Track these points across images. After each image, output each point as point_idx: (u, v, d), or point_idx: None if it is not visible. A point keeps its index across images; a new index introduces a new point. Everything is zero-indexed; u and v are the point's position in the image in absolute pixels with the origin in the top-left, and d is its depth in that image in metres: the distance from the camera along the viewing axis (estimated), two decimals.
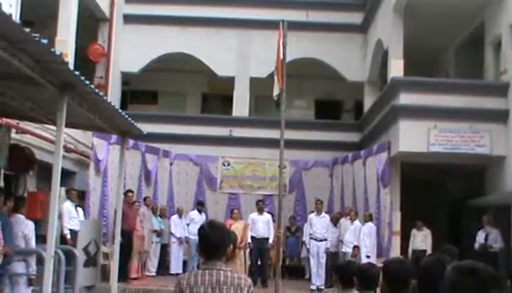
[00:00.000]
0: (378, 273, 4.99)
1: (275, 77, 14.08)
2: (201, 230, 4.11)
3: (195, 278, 3.90)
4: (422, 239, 16.11)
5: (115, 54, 19.36)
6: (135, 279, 15.61)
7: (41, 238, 9.82)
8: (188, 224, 17.73)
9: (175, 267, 17.81)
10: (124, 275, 14.30)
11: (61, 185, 8.34)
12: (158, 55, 21.03)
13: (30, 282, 8.93)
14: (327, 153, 19.88)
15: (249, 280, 4.03)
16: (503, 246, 14.60)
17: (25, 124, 12.42)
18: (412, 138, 15.04)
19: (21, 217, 9.04)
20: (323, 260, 15.73)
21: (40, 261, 8.49)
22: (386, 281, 4.16)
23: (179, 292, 3.92)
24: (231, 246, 4.62)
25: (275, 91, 13.93)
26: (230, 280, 3.91)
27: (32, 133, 13.06)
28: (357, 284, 5.17)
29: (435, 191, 18.69)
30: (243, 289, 3.91)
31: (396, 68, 16.17)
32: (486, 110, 15.03)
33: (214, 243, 3.96)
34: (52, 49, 6.26)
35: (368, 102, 20.10)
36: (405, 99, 15.41)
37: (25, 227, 8.90)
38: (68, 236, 13.19)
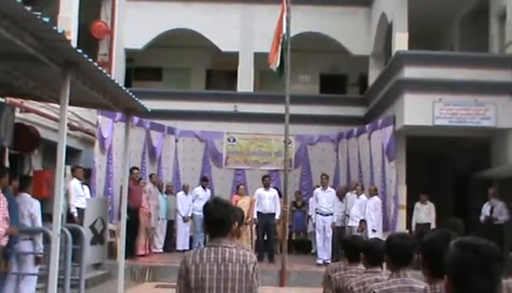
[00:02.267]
0: (383, 249, 5.00)
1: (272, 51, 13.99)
2: (206, 207, 4.12)
3: (201, 256, 3.92)
4: (425, 213, 16.09)
5: (119, 31, 19.30)
6: (142, 256, 15.70)
7: (47, 217, 9.87)
8: (192, 201, 17.81)
9: (182, 243, 17.92)
10: (131, 252, 14.37)
11: (67, 163, 8.39)
12: (162, 32, 20.95)
13: (37, 261, 8.98)
14: (332, 128, 19.87)
15: (254, 257, 4.05)
16: (508, 219, 14.63)
17: (29, 103, 12.42)
18: (417, 111, 15.01)
19: (27, 195, 9.06)
20: (329, 235, 15.79)
21: (47, 240, 8.53)
22: (389, 256, 4.20)
23: (185, 269, 3.93)
24: (237, 223, 4.62)
25: (272, 66, 13.81)
26: (235, 257, 3.93)
27: (37, 112, 13.06)
28: (363, 259, 5.20)
29: (441, 164, 18.69)
30: (248, 265, 3.93)
31: (400, 42, 16.08)
32: (491, 83, 14.95)
33: (219, 220, 3.97)
34: (54, 27, 6.23)
35: (373, 76, 20.01)
36: (410, 72, 15.34)
37: (31, 206, 8.92)
38: (75, 214, 13.25)
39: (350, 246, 5.75)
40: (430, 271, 3.26)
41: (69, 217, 13.09)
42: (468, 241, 2.35)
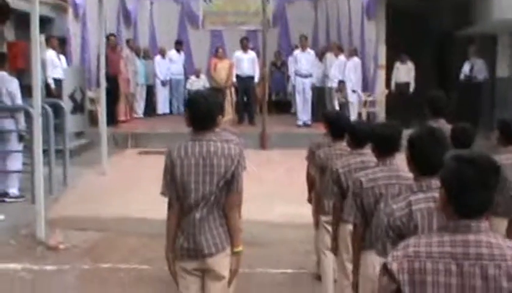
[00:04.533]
0: (369, 130, 5.01)
1: None
2: (189, 101, 4.09)
3: (186, 150, 3.92)
4: (405, 72, 16.12)
5: None
6: (123, 122, 15.73)
7: (26, 90, 9.76)
8: None
9: (162, 107, 18.06)
10: (112, 119, 14.31)
11: (40, 32, 8.17)
12: None
13: (20, 138, 8.97)
14: None
15: (239, 149, 4.06)
16: (487, 77, 14.72)
17: None
18: None
19: (4, 73, 8.88)
20: (309, 96, 15.81)
21: (29, 116, 8.47)
22: (376, 145, 4.22)
23: (170, 163, 3.94)
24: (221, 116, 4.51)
25: None
26: (220, 150, 3.93)
27: None
28: (348, 140, 5.22)
29: (421, 22, 18.38)
30: (234, 158, 3.94)
31: None
32: None
33: (203, 114, 3.92)
34: None
35: None
36: None
37: (9, 84, 8.77)
38: (52, 85, 13.10)
39: (335, 124, 5.72)
40: (416, 169, 3.29)
41: (47, 88, 12.93)
42: (465, 155, 2.36)
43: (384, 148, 4.16)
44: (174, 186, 3.94)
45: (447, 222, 2.37)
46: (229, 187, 3.94)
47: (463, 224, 2.30)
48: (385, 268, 2.34)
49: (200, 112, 3.92)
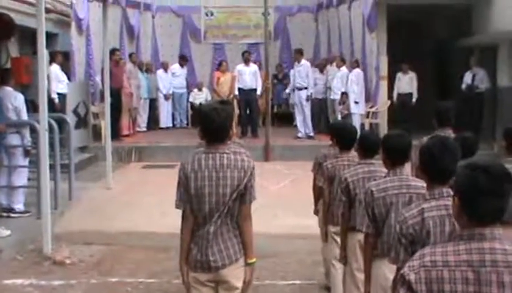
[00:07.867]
0: (378, 140, 5.05)
1: None
2: (203, 115, 4.06)
3: (199, 162, 3.93)
4: (407, 82, 16.19)
5: None
6: (127, 136, 15.74)
7: (30, 105, 9.80)
8: None
9: (165, 120, 18.11)
10: (115, 133, 14.34)
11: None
12: None
13: (26, 153, 8.97)
14: None
15: (252, 162, 4.07)
16: (489, 87, 14.75)
17: None
18: None
19: (9, 89, 8.89)
20: (306, 108, 15.69)
21: (34, 131, 8.50)
22: (386, 155, 4.24)
23: (184, 177, 3.95)
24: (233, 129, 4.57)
25: None
26: (233, 163, 3.94)
27: None
28: (357, 150, 5.25)
29: (422, 33, 18.49)
30: (246, 171, 3.96)
31: None
32: None
33: (216, 127, 3.94)
34: None
35: None
36: None
37: (14, 99, 8.77)
38: (56, 100, 13.15)
39: (342, 135, 5.76)
40: (428, 178, 3.32)
41: (50, 103, 12.94)
42: (478, 163, 2.38)
43: (395, 158, 4.19)
44: (188, 199, 3.96)
45: (461, 231, 2.38)
46: (242, 198, 3.96)
47: (478, 232, 2.32)
48: (403, 279, 2.34)
49: (214, 125, 3.93)
